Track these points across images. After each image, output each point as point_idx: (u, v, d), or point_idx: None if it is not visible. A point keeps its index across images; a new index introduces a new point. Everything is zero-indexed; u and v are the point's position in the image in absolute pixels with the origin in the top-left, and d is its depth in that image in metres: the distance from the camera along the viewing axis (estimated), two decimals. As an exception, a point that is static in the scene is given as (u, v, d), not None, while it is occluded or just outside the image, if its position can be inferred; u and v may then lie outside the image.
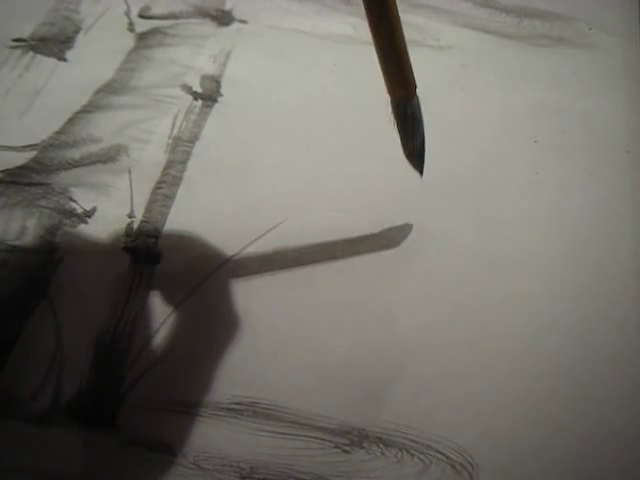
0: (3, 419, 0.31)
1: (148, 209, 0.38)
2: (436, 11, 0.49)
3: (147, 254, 0.36)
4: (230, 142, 0.41)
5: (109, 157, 0.40)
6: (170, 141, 0.41)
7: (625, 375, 0.33)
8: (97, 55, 0.45)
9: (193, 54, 0.45)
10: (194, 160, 0.40)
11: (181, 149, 0.41)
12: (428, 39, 0.47)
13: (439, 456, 0.31)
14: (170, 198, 0.39)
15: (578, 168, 0.41)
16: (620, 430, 0.32)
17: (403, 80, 0.31)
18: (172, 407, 0.32)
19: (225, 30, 0.47)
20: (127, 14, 0.47)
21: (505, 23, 0.48)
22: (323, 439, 0.31)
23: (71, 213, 0.38)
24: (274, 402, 0.32)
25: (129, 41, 0.46)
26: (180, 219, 0.38)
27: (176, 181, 0.39)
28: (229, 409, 0.32)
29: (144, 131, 0.41)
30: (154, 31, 0.46)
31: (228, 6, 0.48)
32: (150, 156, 0.40)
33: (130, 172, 0.40)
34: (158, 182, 0.39)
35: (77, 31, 0.46)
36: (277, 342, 0.34)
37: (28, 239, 0.36)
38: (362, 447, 0.31)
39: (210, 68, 0.45)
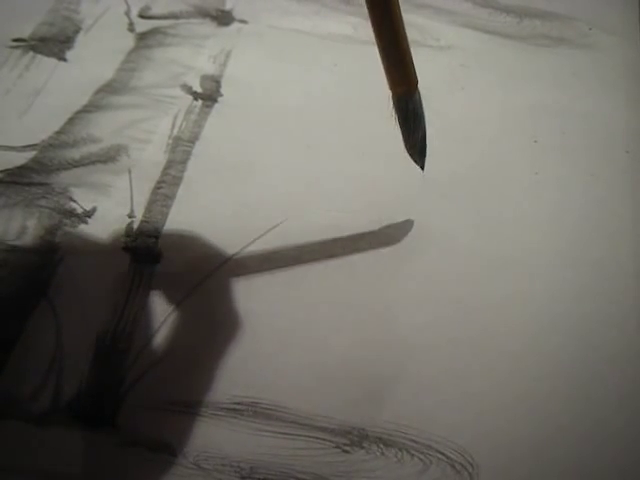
0: (3, 419, 0.31)
1: (148, 209, 0.38)
2: (436, 11, 0.49)
3: (147, 254, 0.36)
4: (230, 142, 0.41)
5: (109, 157, 0.40)
6: (170, 141, 0.41)
7: (625, 375, 0.33)
8: (97, 55, 0.45)
9: (193, 54, 0.45)
10: (194, 160, 0.40)
11: (181, 149, 0.41)
12: (428, 39, 0.47)
13: (439, 456, 0.31)
14: (170, 198, 0.39)
15: (578, 168, 0.41)
16: (620, 430, 0.32)
17: (404, 76, 0.32)
18: (172, 407, 0.32)
19: (225, 30, 0.47)
20: (127, 14, 0.47)
21: (505, 23, 0.48)
22: (323, 439, 0.31)
23: (71, 213, 0.38)
24: (274, 402, 0.32)
25: (129, 41, 0.46)
26: (180, 219, 0.38)
27: (176, 181, 0.39)
28: (229, 409, 0.32)
29: (144, 131, 0.41)
30: (154, 31, 0.46)
31: (228, 6, 0.48)
32: (150, 156, 0.40)
33: (130, 172, 0.40)
34: (158, 182, 0.39)
35: (77, 31, 0.46)
36: (277, 342, 0.34)
37: (28, 239, 0.36)
38: (362, 447, 0.31)
39: (210, 68, 0.45)
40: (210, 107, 0.43)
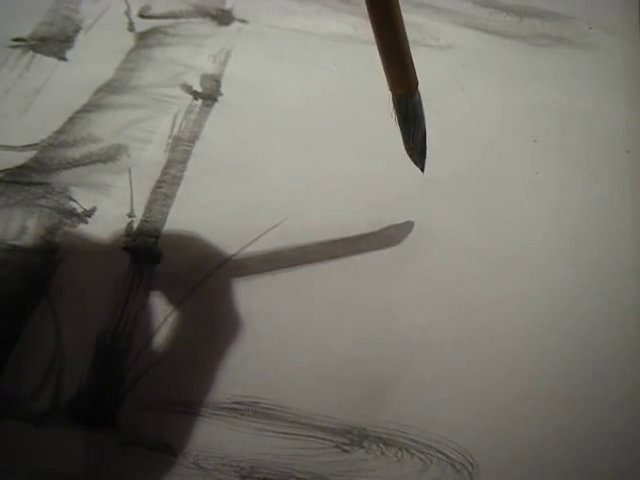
0: (3, 419, 0.31)
1: (148, 209, 0.38)
2: (436, 10, 0.49)
3: (147, 254, 0.36)
4: (230, 142, 0.41)
5: (109, 157, 0.40)
6: (170, 140, 0.41)
7: (625, 375, 0.33)
8: (97, 55, 0.45)
9: (193, 53, 0.45)
10: (194, 160, 0.40)
11: (181, 148, 0.41)
12: (428, 39, 0.47)
13: (439, 456, 0.31)
14: (170, 198, 0.39)
15: (578, 168, 0.41)
16: (620, 430, 0.32)
17: (404, 77, 0.32)
18: (172, 407, 0.32)
19: (225, 29, 0.47)
20: (127, 14, 0.47)
21: (505, 23, 0.48)
22: (323, 439, 0.31)
23: (71, 213, 0.38)
24: (274, 402, 0.32)
25: (129, 41, 0.46)
26: (180, 219, 0.38)
27: (176, 180, 0.39)
28: (229, 409, 0.32)
29: (144, 131, 0.41)
30: (154, 30, 0.46)
31: (228, 5, 0.48)
32: (150, 156, 0.40)
33: (130, 172, 0.40)
34: (158, 182, 0.39)
35: (77, 30, 0.46)
36: (277, 341, 0.34)
37: (28, 239, 0.36)
38: (362, 447, 0.31)
39: (210, 67, 0.45)
40: (210, 107, 0.43)
